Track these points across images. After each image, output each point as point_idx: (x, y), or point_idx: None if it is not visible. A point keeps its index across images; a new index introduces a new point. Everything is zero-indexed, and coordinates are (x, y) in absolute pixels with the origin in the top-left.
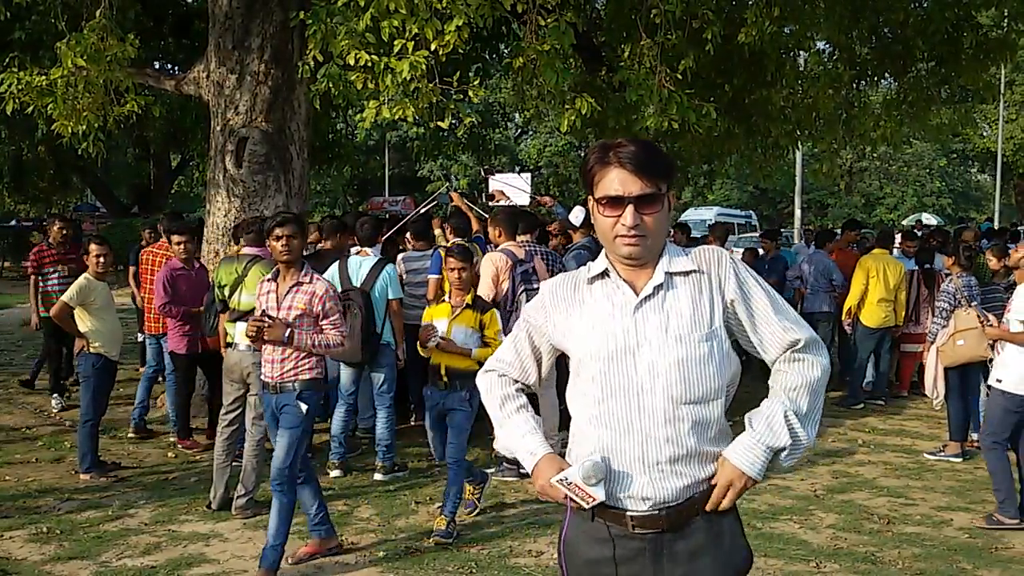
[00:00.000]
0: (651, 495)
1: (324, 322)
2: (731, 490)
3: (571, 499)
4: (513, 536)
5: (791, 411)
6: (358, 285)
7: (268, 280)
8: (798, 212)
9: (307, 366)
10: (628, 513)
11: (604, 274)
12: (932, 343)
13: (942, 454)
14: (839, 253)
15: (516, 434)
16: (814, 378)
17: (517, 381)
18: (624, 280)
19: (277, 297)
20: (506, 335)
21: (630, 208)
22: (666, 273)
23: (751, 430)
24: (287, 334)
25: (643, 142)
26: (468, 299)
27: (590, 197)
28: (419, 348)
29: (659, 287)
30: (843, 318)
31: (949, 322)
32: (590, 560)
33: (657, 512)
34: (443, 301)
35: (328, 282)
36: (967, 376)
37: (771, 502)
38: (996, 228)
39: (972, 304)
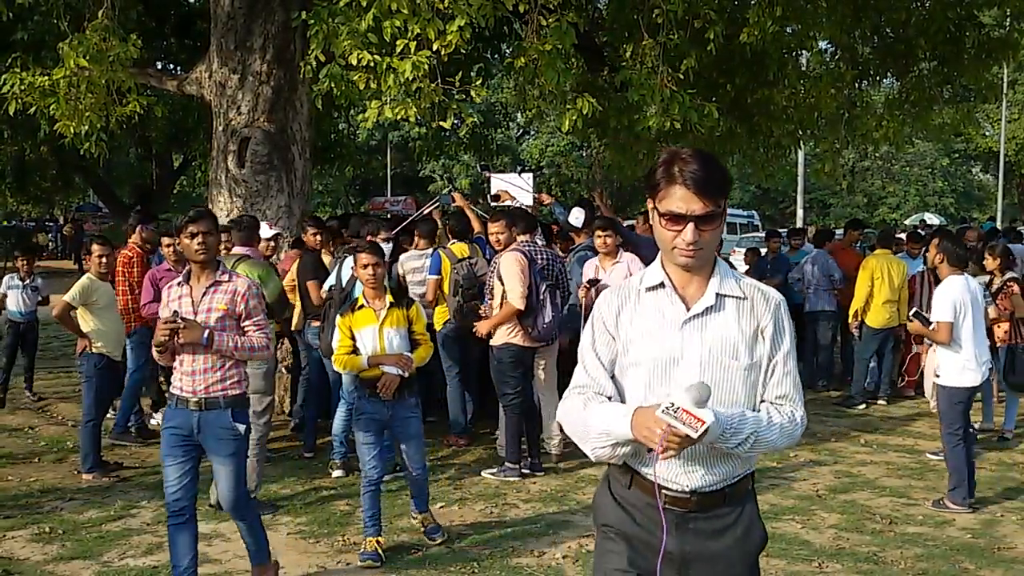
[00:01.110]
0: (686, 483)
1: (247, 323)
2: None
3: (675, 430)
4: (515, 536)
5: (757, 432)
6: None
7: (178, 284)
8: (800, 212)
9: (235, 378)
10: (663, 491)
11: (660, 285)
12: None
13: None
14: (842, 252)
15: (602, 411)
16: (790, 423)
17: (597, 394)
18: (678, 294)
19: (193, 301)
20: (536, 332)
21: (691, 226)
22: (717, 294)
23: (729, 418)
24: (206, 335)
25: (706, 158)
26: (389, 298)
27: (650, 204)
28: (338, 365)
29: (710, 308)
30: (850, 321)
31: None
32: (622, 520)
33: (689, 495)
34: (362, 307)
35: (250, 280)
36: None
37: (773, 502)
38: (998, 228)
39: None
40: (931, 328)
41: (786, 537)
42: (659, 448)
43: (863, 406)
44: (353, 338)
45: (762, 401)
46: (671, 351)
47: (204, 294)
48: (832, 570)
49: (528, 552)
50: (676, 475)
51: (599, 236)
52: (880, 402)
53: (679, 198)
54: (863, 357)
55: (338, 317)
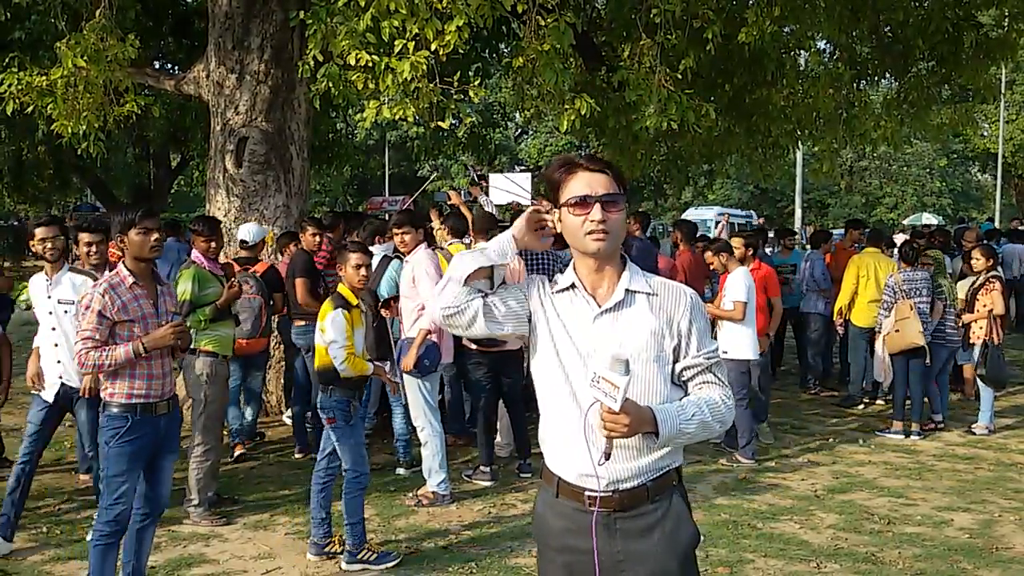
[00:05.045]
0: (606, 476)
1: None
2: (627, 425)
3: (607, 408)
4: (513, 536)
5: (699, 416)
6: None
7: (129, 286)
8: (799, 212)
9: None
10: (586, 492)
11: (571, 287)
12: (879, 333)
13: (888, 431)
14: (842, 252)
15: (473, 252)
16: (723, 403)
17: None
18: (589, 293)
19: (147, 303)
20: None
21: (597, 206)
22: (627, 290)
23: (682, 409)
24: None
25: (598, 157)
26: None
27: (556, 214)
28: (351, 366)
29: (620, 303)
30: (835, 318)
31: (891, 313)
32: (555, 531)
33: (612, 493)
34: (357, 306)
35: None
36: (911, 363)
37: (771, 502)
38: (998, 227)
39: (910, 298)
40: (730, 309)
41: (784, 537)
42: (602, 433)
43: (861, 406)
44: None
45: (696, 387)
46: (584, 347)
47: (150, 294)
48: (830, 570)
49: (526, 553)
50: (597, 471)
51: (396, 234)
52: (878, 402)
53: (583, 182)
54: (857, 358)
55: (344, 312)
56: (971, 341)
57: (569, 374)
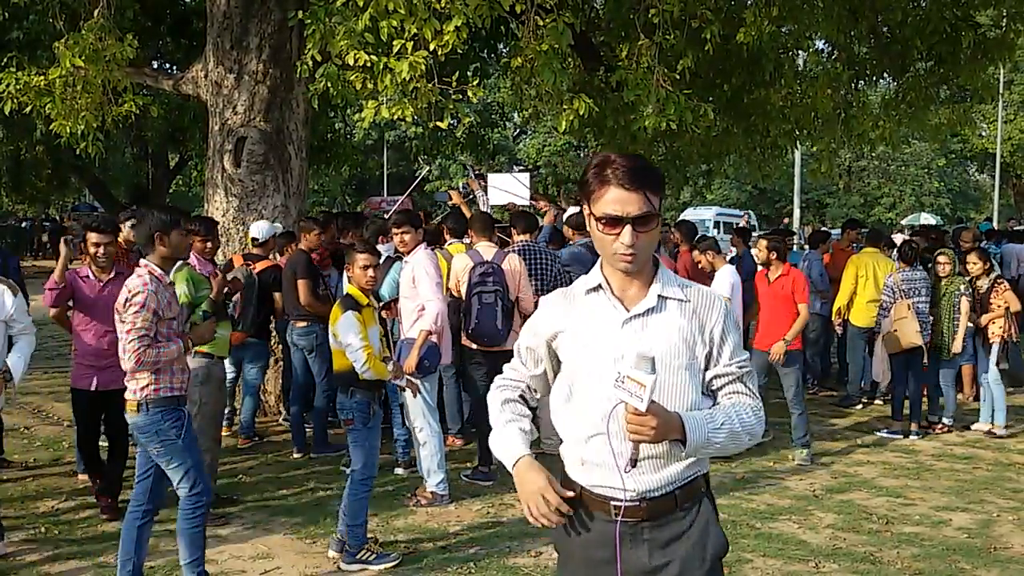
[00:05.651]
0: (633, 487)
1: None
2: (654, 429)
3: (633, 410)
4: (512, 536)
5: (728, 426)
6: None
7: (165, 285)
8: (797, 212)
9: None
10: (612, 502)
11: (598, 288)
12: (879, 333)
13: (886, 431)
14: (839, 253)
15: (500, 438)
16: (754, 413)
17: (518, 386)
18: (616, 296)
19: (176, 301)
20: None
21: (628, 228)
22: (659, 296)
23: (711, 418)
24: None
25: (638, 159)
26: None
27: (585, 208)
28: (373, 368)
29: (651, 309)
30: (833, 318)
31: (890, 313)
32: (577, 542)
33: (639, 502)
34: (368, 305)
35: None
36: (910, 362)
37: (770, 502)
38: (996, 227)
39: (909, 298)
40: None
41: (783, 537)
42: (627, 436)
43: (860, 406)
44: None
45: (726, 396)
46: (612, 352)
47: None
48: (829, 570)
49: (525, 552)
50: (622, 481)
51: (395, 234)
52: (877, 402)
53: (614, 200)
54: (856, 358)
55: (354, 313)
56: (989, 341)
57: (593, 379)
